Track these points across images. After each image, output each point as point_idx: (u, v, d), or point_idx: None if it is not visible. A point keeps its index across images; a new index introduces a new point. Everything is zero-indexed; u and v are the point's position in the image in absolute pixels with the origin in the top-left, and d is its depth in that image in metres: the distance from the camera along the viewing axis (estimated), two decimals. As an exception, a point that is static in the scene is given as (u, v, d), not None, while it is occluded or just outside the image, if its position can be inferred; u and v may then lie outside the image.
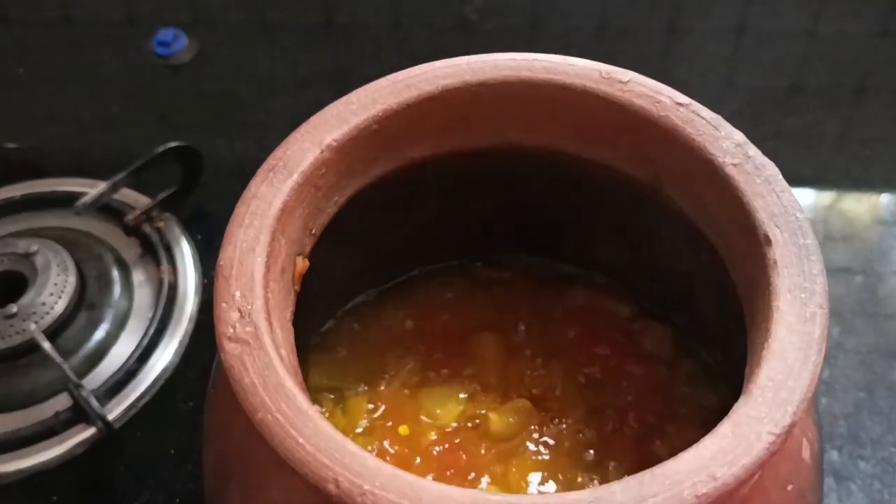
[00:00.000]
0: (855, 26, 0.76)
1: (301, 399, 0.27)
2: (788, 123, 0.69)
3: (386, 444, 0.39)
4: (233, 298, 0.29)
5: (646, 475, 0.26)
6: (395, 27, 0.76)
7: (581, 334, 0.43)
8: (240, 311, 0.29)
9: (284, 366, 0.28)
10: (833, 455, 0.51)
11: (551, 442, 0.40)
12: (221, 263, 0.30)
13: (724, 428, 0.27)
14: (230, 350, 0.28)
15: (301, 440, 0.26)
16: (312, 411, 0.27)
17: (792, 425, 0.26)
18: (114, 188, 0.58)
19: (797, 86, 0.72)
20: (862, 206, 0.65)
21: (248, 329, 0.29)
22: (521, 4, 0.77)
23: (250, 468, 0.31)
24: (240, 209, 0.32)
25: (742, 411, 0.27)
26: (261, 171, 0.33)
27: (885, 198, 0.66)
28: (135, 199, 0.60)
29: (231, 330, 0.29)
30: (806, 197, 0.65)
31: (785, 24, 0.76)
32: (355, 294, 0.44)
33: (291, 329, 0.32)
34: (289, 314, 0.32)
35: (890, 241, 0.62)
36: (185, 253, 0.59)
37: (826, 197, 0.65)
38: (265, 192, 0.32)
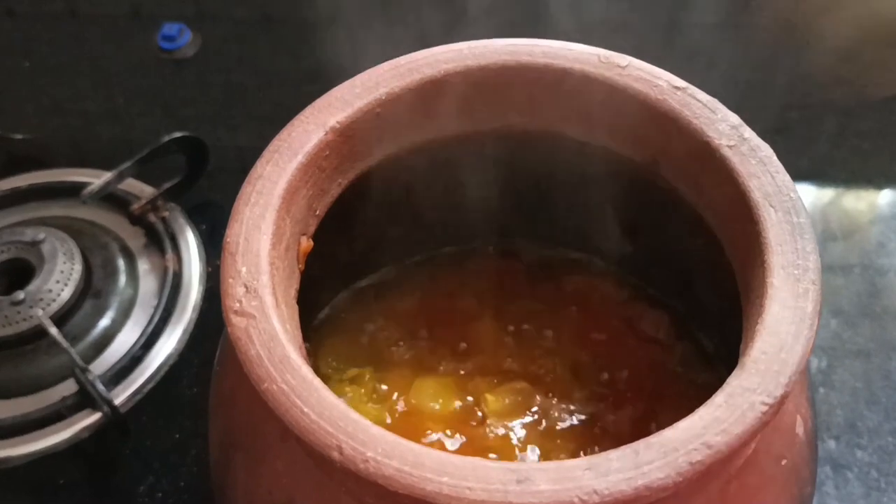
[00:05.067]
0: (854, 20, 0.76)
1: (305, 370, 0.28)
2: (788, 118, 0.70)
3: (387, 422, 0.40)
4: (239, 274, 0.30)
5: (641, 444, 0.26)
6: (397, 22, 0.76)
7: (580, 318, 0.44)
8: (246, 286, 0.30)
9: (289, 338, 0.29)
10: (830, 444, 0.52)
11: (550, 423, 0.41)
12: (228, 240, 0.31)
13: (719, 398, 0.27)
14: (236, 323, 0.29)
15: (306, 409, 0.27)
16: (317, 381, 0.27)
17: (784, 396, 0.27)
18: (119, 178, 0.59)
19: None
20: (861, 200, 0.66)
21: (253, 303, 0.29)
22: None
23: (255, 441, 0.32)
24: (246, 188, 0.32)
25: (736, 383, 0.28)
26: (266, 152, 0.34)
27: (883, 192, 0.66)
28: (140, 188, 0.61)
29: (237, 304, 0.29)
30: (805, 191, 0.65)
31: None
32: (358, 277, 0.45)
33: (296, 306, 0.32)
34: (293, 292, 0.33)
35: (888, 235, 0.63)
36: (190, 242, 0.59)
37: (825, 191, 0.66)
38: (270, 172, 0.33)
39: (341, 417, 0.26)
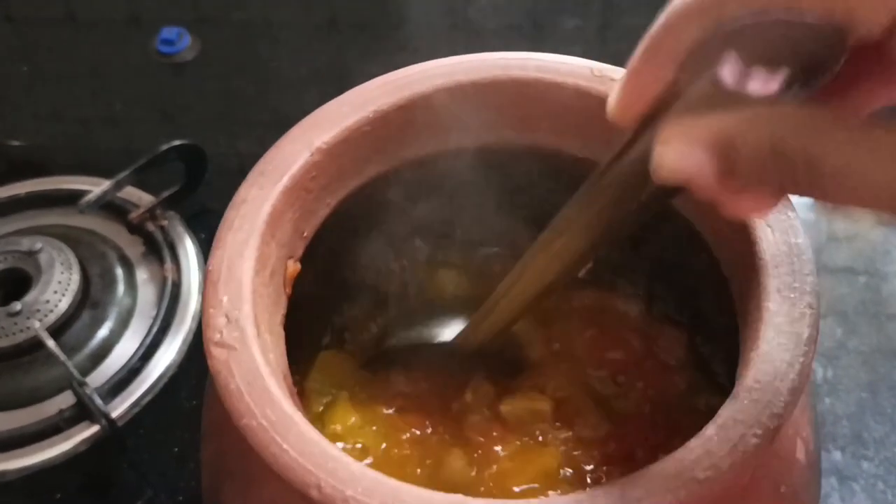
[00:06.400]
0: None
1: (286, 404, 0.27)
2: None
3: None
4: (220, 304, 0.29)
5: (629, 479, 0.26)
6: (398, 26, 0.76)
7: (594, 335, 0.43)
8: (227, 316, 0.29)
9: (271, 371, 0.28)
10: (836, 455, 0.51)
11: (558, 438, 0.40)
12: (210, 269, 0.30)
13: (710, 431, 0.27)
14: (217, 355, 0.28)
15: (285, 446, 0.26)
16: (297, 416, 0.27)
17: (777, 428, 0.26)
18: (117, 186, 0.58)
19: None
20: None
21: (234, 334, 0.29)
22: (524, 4, 0.77)
23: (245, 467, 0.31)
24: (229, 214, 0.32)
25: (727, 414, 0.27)
26: (250, 175, 0.33)
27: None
28: (138, 197, 0.60)
29: (218, 335, 0.29)
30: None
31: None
32: (358, 289, 0.44)
33: (282, 333, 0.32)
34: (279, 318, 0.32)
35: (893, 242, 0.62)
36: (189, 251, 0.59)
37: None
38: (255, 196, 0.32)
39: (321, 454, 0.26)
